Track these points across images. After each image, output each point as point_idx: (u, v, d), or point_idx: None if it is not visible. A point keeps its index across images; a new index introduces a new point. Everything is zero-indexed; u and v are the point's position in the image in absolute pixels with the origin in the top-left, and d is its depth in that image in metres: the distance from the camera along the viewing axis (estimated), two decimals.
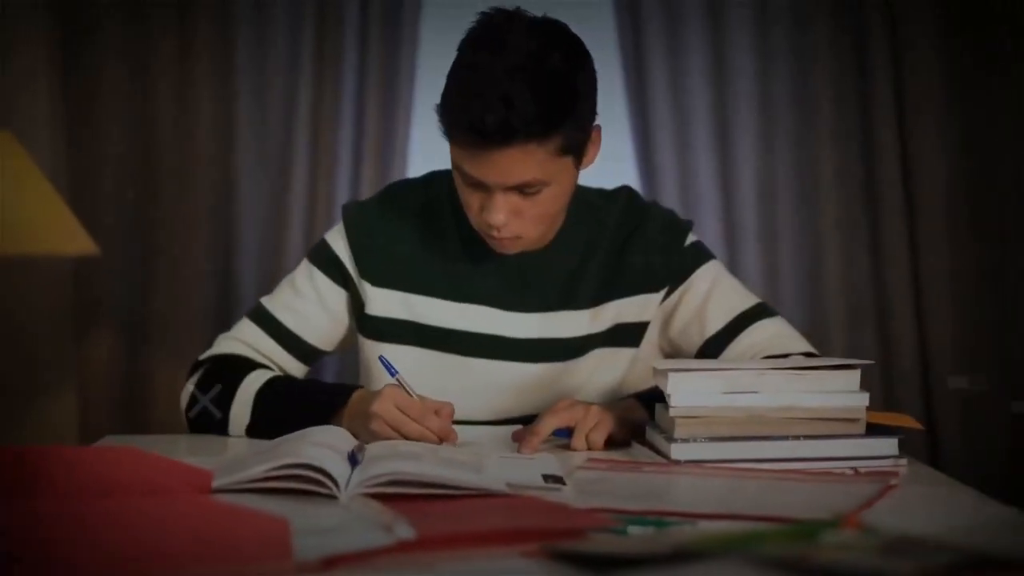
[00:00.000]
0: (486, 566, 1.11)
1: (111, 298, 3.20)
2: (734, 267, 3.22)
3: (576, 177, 1.85)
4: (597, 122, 1.82)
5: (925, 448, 3.21)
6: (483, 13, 1.77)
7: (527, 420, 1.85)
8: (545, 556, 1.11)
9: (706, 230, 3.20)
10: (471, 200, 1.80)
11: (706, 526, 1.26)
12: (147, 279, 3.20)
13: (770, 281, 3.25)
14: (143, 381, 3.18)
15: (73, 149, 3.18)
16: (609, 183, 2.08)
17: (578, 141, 1.77)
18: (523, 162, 1.72)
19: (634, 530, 1.23)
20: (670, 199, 3.18)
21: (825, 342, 3.19)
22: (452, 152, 1.78)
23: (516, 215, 1.78)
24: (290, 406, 1.81)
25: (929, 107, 3.17)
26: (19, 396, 3.16)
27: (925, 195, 3.19)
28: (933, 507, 1.39)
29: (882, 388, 3.23)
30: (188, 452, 1.81)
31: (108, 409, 3.21)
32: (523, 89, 1.68)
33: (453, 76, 1.76)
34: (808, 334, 3.15)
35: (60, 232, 2.76)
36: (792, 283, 3.25)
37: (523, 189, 1.76)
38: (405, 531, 1.15)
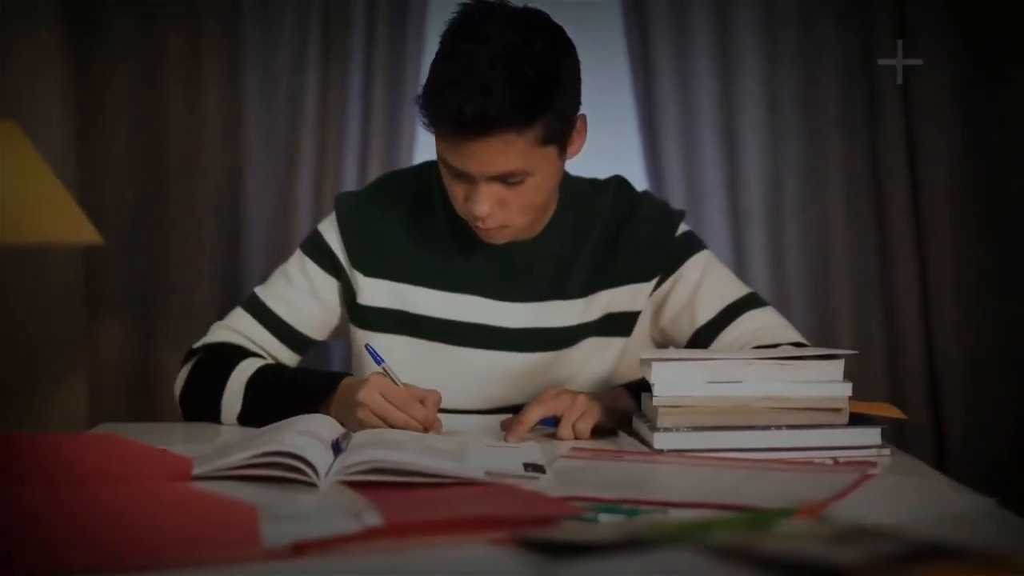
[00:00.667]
0: (454, 553, 1.13)
1: (120, 289, 3.24)
2: (741, 264, 3.23)
3: (561, 167, 1.85)
4: (582, 111, 1.83)
5: (931, 445, 3.21)
6: (464, 4, 1.78)
7: (518, 409, 1.85)
8: (512, 544, 1.13)
9: (713, 228, 3.22)
10: (456, 191, 1.81)
11: (677, 514, 1.27)
12: (156, 271, 3.24)
13: (777, 281, 3.26)
14: (152, 371, 3.22)
15: (82, 144, 3.22)
16: None
17: (560, 131, 1.78)
18: (504, 152, 1.73)
19: (605, 518, 1.24)
20: (678, 198, 3.20)
21: (832, 336, 3.21)
22: (436, 143, 1.79)
23: (501, 205, 1.79)
24: (280, 394, 1.83)
25: (935, 103, 3.18)
26: (30, 385, 3.19)
27: (931, 190, 3.20)
28: (908, 497, 1.39)
29: (889, 382, 3.23)
30: (182, 440, 1.83)
31: (117, 398, 3.25)
32: (502, 79, 1.69)
33: (434, 67, 1.77)
34: (815, 328, 3.19)
35: (64, 221, 2.78)
36: (799, 278, 3.26)
37: (506, 179, 1.77)
38: (372, 518, 1.17)
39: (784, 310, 3.21)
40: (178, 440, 1.82)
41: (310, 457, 1.40)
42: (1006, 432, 3.18)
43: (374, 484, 1.36)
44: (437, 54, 1.78)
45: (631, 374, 1.93)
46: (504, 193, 1.78)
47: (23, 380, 3.18)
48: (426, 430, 1.72)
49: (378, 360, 1.79)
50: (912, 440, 3.20)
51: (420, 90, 1.79)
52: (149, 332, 3.25)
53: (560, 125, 1.77)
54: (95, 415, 3.22)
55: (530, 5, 1.81)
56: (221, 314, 2.05)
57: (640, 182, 3.22)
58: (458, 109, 1.69)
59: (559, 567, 1.02)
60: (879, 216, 3.23)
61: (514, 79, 1.70)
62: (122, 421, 3.19)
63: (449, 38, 1.77)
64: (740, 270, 3.24)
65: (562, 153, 1.82)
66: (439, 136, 1.77)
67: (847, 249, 3.23)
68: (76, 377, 3.24)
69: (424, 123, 1.78)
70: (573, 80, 1.80)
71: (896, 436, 3.19)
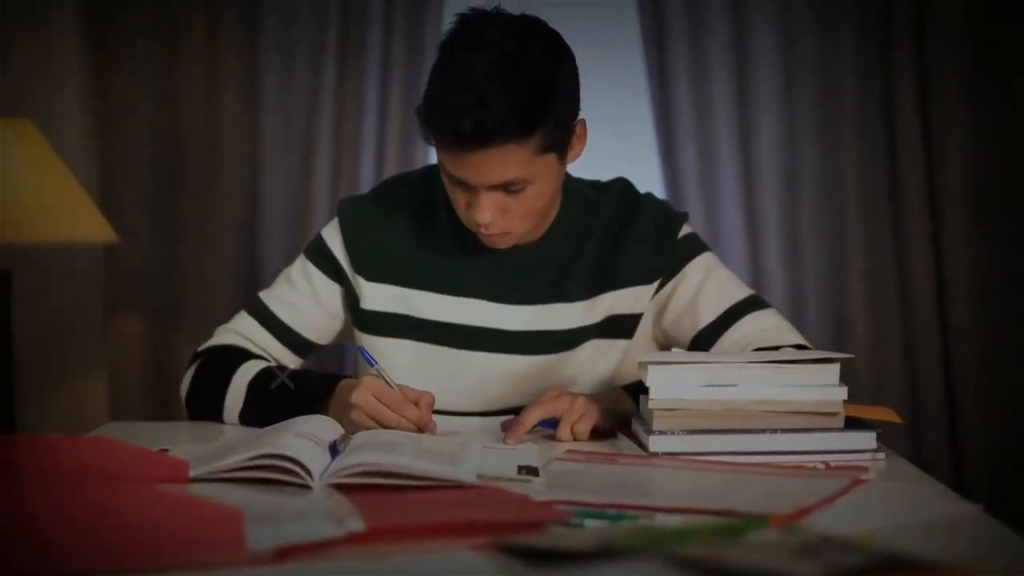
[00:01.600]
0: (436, 558, 1.15)
1: (139, 287, 3.28)
2: (756, 265, 3.24)
3: (562, 172, 1.86)
4: (581, 116, 1.83)
5: (946, 441, 3.21)
6: (460, 14, 1.79)
7: (521, 411, 1.87)
8: (494, 549, 1.14)
9: (728, 229, 3.23)
10: (458, 199, 1.83)
11: (662, 520, 1.28)
12: (174, 269, 3.28)
13: (792, 282, 3.27)
14: (170, 366, 3.25)
15: (102, 142, 3.26)
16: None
17: (559, 137, 1.78)
18: (503, 163, 1.74)
19: (591, 523, 1.26)
20: (693, 200, 3.22)
21: (847, 336, 3.21)
22: (436, 152, 1.80)
23: (502, 213, 1.80)
24: (279, 396, 1.85)
25: (951, 104, 3.17)
26: (51, 380, 3.24)
27: (946, 190, 3.20)
28: (895, 503, 1.40)
29: (904, 380, 3.23)
30: (187, 439, 1.86)
31: (137, 393, 3.29)
32: (498, 90, 1.70)
33: (432, 79, 1.78)
34: (830, 327, 3.19)
35: (80, 220, 2.81)
36: (815, 278, 3.26)
37: (507, 187, 1.77)
38: (355, 523, 1.18)
39: (799, 310, 3.22)
40: (183, 439, 1.86)
41: (304, 460, 1.42)
42: (1022, 429, 3.17)
43: (364, 487, 1.38)
44: (434, 65, 1.79)
45: (633, 376, 1.93)
46: (505, 201, 1.79)
47: (45, 376, 3.23)
48: (420, 431, 1.74)
49: (372, 362, 1.80)
50: (927, 437, 3.21)
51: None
52: (168, 329, 3.29)
53: (559, 132, 1.78)
54: (115, 410, 3.26)
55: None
56: (239, 307, 2.08)
57: (656, 184, 3.23)
58: (456, 122, 1.70)
59: (535, 573, 1.04)
60: (894, 216, 3.23)
61: (511, 90, 1.70)
62: (141, 415, 3.24)
63: (446, 49, 1.78)
64: (755, 271, 3.25)
65: (562, 159, 1.83)
66: (438, 147, 1.78)
67: (862, 249, 3.23)
68: (96, 373, 3.28)
69: (424, 136, 1.79)
70: (571, 86, 1.80)
71: (912, 433, 3.19)
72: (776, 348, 1.90)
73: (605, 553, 1.01)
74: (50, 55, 3.20)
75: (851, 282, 3.24)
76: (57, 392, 3.25)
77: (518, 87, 1.71)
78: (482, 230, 1.82)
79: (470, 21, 1.77)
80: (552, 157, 1.79)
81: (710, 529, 1.10)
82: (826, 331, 3.25)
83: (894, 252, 3.24)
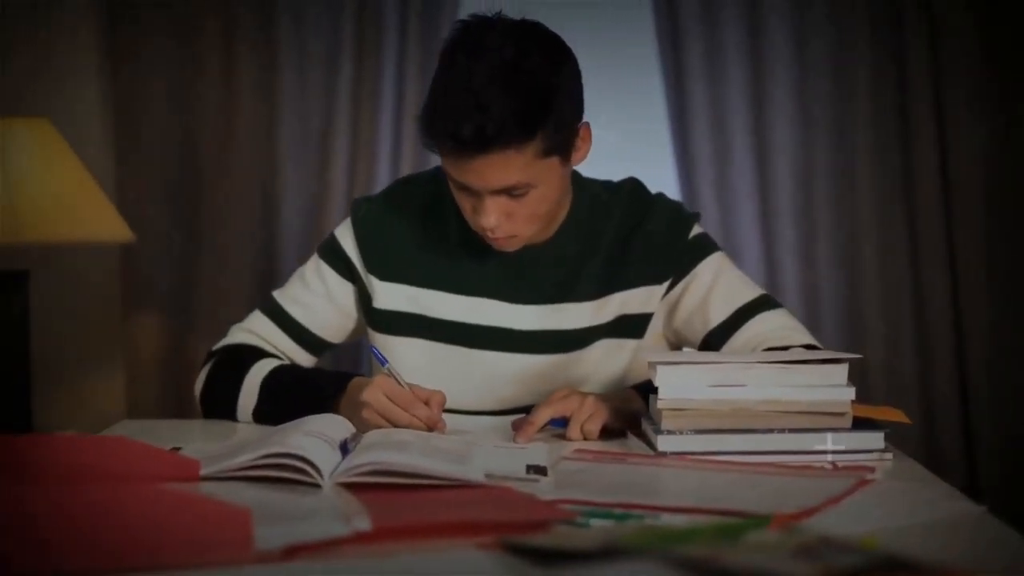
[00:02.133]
0: (442, 557, 1.16)
1: (156, 284, 3.31)
2: (770, 264, 3.25)
3: (566, 175, 1.87)
4: (585, 119, 1.84)
5: (960, 442, 3.21)
6: (461, 20, 1.80)
7: (531, 410, 1.88)
8: (499, 548, 1.16)
9: (743, 228, 3.24)
10: (464, 203, 1.84)
11: (667, 519, 1.29)
12: (191, 266, 3.30)
13: (806, 280, 3.27)
14: (187, 363, 3.27)
15: (118, 138, 3.28)
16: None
17: (561, 142, 1.79)
18: (504, 168, 1.75)
19: (596, 523, 1.27)
20: (708, 200, 3.22)
21: (861, 335, 3.21)
22: (441, 157, 1.81)
23: (508, 216, 1.81)
24: (292, 395, 1.87)
25: (965, 97, 3.17)
26: (69, 377, 3.26)
27: (961, 190, 3.20)
28: (899, 503, 1.41)
29: (919, 380, 3.23)
30: (201, 437, 1.88)
31: (154, 390, 3.31)
32: (498, 95, 1.70)
33: (432, 86, 1.79)
34: (845, 327, 3.19)
35: (96, 219, 2.83)
36: (829, 277, 3.27)
37: (510, 192, 1.78)
38: (362, 522, 1.20)
39: (814, 308, 3.23)
40: (197, 438, 1.87)
41: (314, 458, 1.44)
42: None
43: (374, 486, 1.39)
44: (436, 71, 1.80)
45: (644, 375, 1.94)
46: (510, 205, 1.80)
47: (62, 374, 3.25)
48: (430, 430, 1.75)
49: (383, 361, 1.82)
50: (941, 435, 3.21)
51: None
52: (185, 326, 3.31)
53: (561, 135, 1.78)
54: (132, 408, 3.29)
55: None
56: (256, 304, 2.10)
57: (670, 184, 3.24)
58: (456, 127, 1.71)
59: (540, 573, 1.05)
60: (909, 216, 3.24)
61: (511, 95, 1.71)
62: (158, 413, 3.26)
63: (447, 55, 1.79)
64: (770, 269, 3.25)
65: (565, 162, 1.83)
66: (441, 153, 1.79)
67: (876, 248, 3.24)
68: (113, 371, 3.31)
69: (424, 143, 1.80)
70: (573, 89, 1.81)
71: (926, 432, 3.19)
72: (786, 348, 1.91)
73: (608, 553, 1.02)
74: (67, 54, 3.23)
75: (865, 280, 3.24)
76: (74, 391, 3.28)
77: (518, 92, 1.72)
78: (488, 234, 1.84)
79: (471, 27, 1.78)
80: (555, 160, 1.80)
81: (713, 529, 1.11)
82: (840, 329, 3.25)
83: (908, 250, 3.24)
